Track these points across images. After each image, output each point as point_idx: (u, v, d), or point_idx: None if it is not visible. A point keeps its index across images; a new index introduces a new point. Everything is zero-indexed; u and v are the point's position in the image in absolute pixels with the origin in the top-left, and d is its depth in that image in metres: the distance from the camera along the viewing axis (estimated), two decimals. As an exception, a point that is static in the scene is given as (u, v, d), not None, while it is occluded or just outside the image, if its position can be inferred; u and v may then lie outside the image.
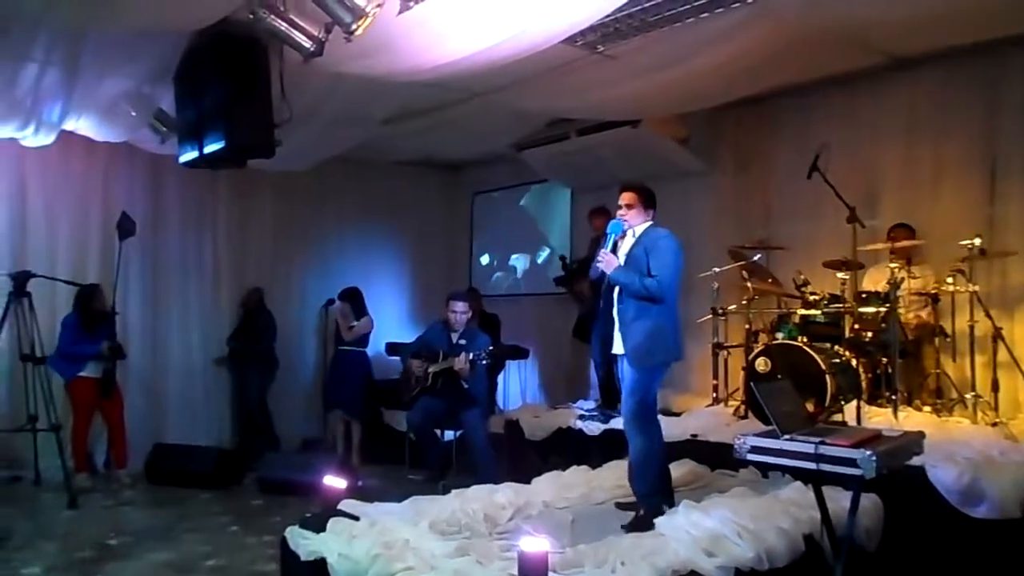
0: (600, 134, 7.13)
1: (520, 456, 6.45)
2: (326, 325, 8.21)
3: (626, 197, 4.26)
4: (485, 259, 9.91)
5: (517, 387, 8.82)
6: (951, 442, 4.51)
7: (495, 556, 3.26)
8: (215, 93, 4.84)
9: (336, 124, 6.12)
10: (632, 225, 4.26)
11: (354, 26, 3.76)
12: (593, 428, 6.11)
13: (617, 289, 4.18)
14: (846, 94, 6.50)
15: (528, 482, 4.60)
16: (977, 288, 5.21)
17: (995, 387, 5.16)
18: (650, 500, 4.03)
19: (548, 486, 4.59)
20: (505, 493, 4.23)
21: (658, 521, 3.63)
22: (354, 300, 7.81)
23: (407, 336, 8.10)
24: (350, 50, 4.00)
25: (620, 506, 4.33)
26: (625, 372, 4.20)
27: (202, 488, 6.44)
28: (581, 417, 6.28)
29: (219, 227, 8.25)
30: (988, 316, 5.14)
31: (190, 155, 5.21)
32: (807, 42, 4.92)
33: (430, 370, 6.02)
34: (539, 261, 9.23)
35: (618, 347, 4.22)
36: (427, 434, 6.04)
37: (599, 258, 4.18)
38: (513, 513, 4.05)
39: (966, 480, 3.96)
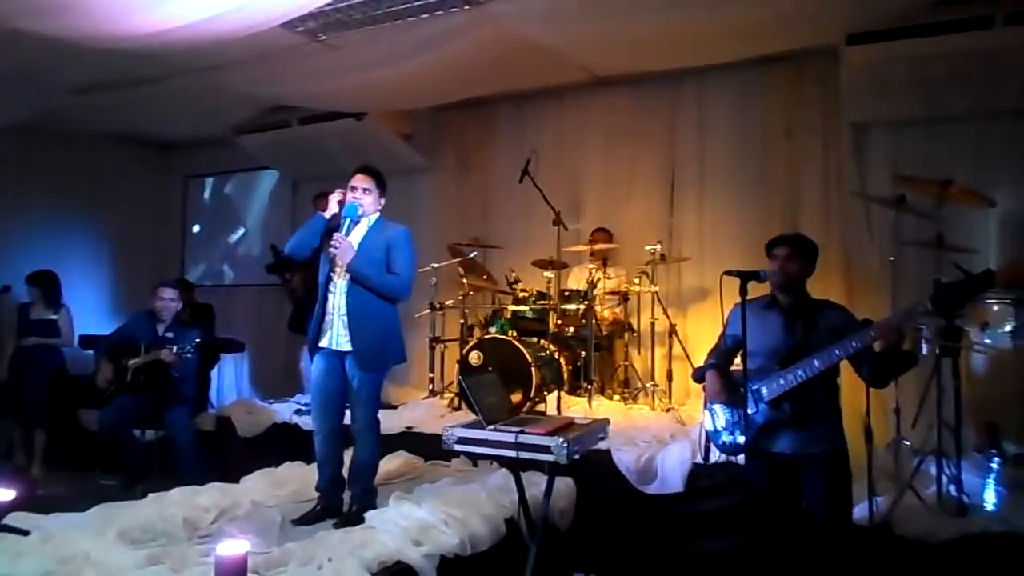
0: (324, 124, 7.02)
1: (231, 455, 6.14)
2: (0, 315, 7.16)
3: (363, 180, 3.92)
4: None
5: (231, 382, 8.39)
6: (633, 427, 5.05)
7: (192, 562, 3.08)
8: None
9: (10, 88, 5.37)
10: (367, 212, 3.93)
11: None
12: (310, 423, 5.98)
13: (345, 280, 3.81)
14: (556, 105, 7.03)
15: (237, 481, 4.40)
16: (658, 289, 5.90)
17: (670, 377, 5.85)
18: (366, 497, 3.97)
19: (258, 484, 4.42)
20: (210, 495, 4.01)
21: (368, 515, 3.65)
22: (46, 285, 6.61)
23: (109, 328, 7.33)
24: (25, 3, 3.52)
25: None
26: (352, 374, 3.85)
27: None
28: (298, 412, 6.12)
29: None
30: (666, 314, 5.83)
31: None
32: (522, 53, 5.22)
33: (129, 365, 5.52)
34: (254, 253, 8.85)
35: (338, 343, 3.85)
36: (123, 435, 5.51)
37: (334, 243, 3.73)
38: (217, 515, 3.85)
39: (643, 461, 4.45)
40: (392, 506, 3.74)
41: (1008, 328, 3.88)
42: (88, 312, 8.15)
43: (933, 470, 4.03)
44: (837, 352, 3.13)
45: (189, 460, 5.38)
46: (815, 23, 4.90)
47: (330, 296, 3.88)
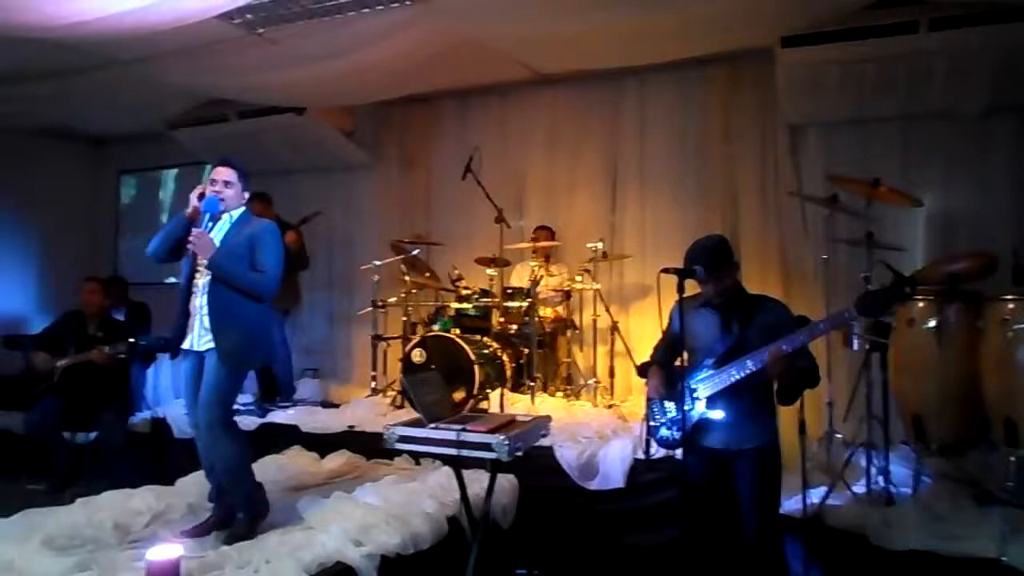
0: (263, 119, 6.89)
1: (168, 457, 6.00)
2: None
3: (225, 172, 3.70)
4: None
5: (169, 382, 8.17)
6: (576, 424, 5.08)
7: (122, 568, 2.99)
8: None
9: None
10: (229, 207, 3.70)
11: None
12: (249, 423, 5.88)
13: (207, 278, 3.59)
14: (500, 102, 7.03)
15: (173, 483, 4.30)
16: (600, 286, 5.95)
17: (612, 373, 5.91)
18: (249, 504, 3.68)
19: (195, 487, 4.32)
20: (142, 498, 3.90)
21: (307, 515, 3.60)
22: None
23: (37, 328, 7.09)
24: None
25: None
26: (209, 371, 3.59)
27: None
28: (236, 411, 6.00)
29: None
30: (608, 311, 5.88)
31: None
32: (464, 50, 5.22)
33: (58, 365, 5.35)
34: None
35: (200, 343, 3.60)
36: (50, 437, 5.33)
37: (193, 238, 3.51)
38: (151, 519, 3.75)
39: (585, 457, 4.49)
40: (332, 506, 3.69)
41: (932, 324, 4.01)
42: (16, 312, 7.88)
43: (864, 462, 4.17)
44: (784, 347, 3.18)
45: (121, 462, 5.24)
46: (750, 25, 5.00)
47: (192, 296, 3.65)
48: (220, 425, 3.61)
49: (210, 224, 3.63)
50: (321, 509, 3.70)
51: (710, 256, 3.36)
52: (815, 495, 4.05)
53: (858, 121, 5.65)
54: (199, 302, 3.62)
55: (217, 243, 3.60)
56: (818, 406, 4.80)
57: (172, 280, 8.65)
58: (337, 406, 6.13)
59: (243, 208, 3.78)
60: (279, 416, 5.78)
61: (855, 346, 4.44)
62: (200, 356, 3.64)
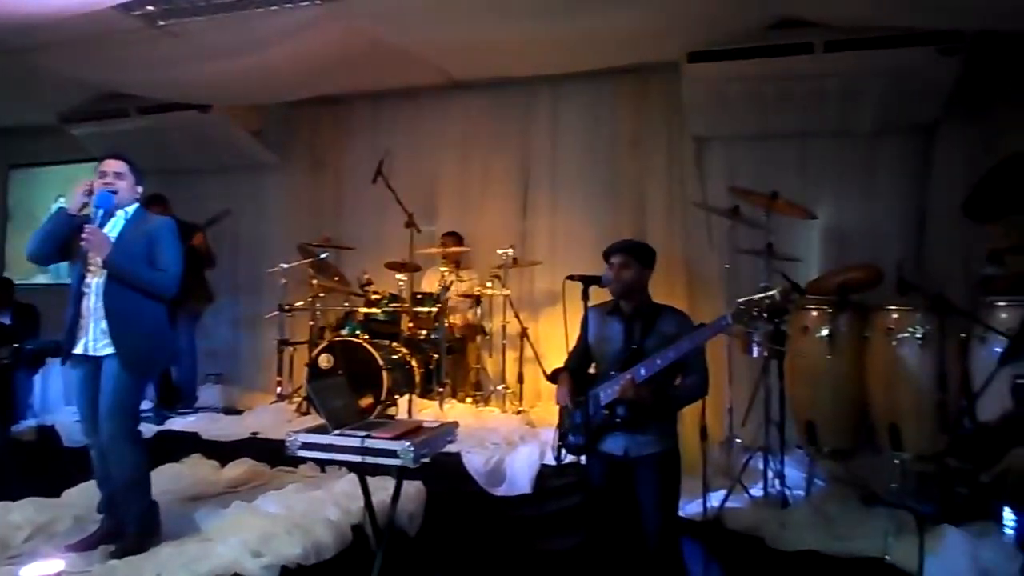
0: (165, 115, 6.63)
1: (55, 467, 5.69)
2: None
3: (115, 165, 3.52)
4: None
5: (60, 388, 7.76)
6: (484, 430, 5.08)
7: (-1, 586, 2.83)
8: None
9: None
10: (122, 202, 3.52)
11: None
12: (146, 430, 5.63)
13: (102, 278, 3.42)
14: (413, 106, 6.98)
15: (59, 495, 4.08)
16: (509, 292, 5.98)
17: (521, 379, 5.94)
18: (142, 520, 3.49)
19: (82, 498, 4.11)
20: (23, 510, 3.69)
21: (204, 525, 3.49)
22: None
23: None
24: None
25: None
26: (109, 378, 3.42)
27: None
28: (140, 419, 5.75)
29: None
30: (517, 317, 5.91)
31: None
32: (377, 52, 5.15)
33: (-67, 371, 5.02)
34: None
35: (95, 348, 3.43)
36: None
37: (86, 235, 3.30)
38: (32, 532, 3.55)
39: (492, 463, 4.49)
40: (231, 516, 3.58)
41: (824, 332, 4.19)
42: None
43: (762, 466, 4.31)
44: (658, 362, 3.27)
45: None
46: (658, 40, 5.12)
47: (84, 298, 3.44)
48: (124, 436, 3.44)
49: (102, 220, 3.43)
50: (219, 519, 3.59)
51: (639, 247, 3.52)
52: (715, 498, 4.17)
53: (759, 136, 5.86)
54: (92, 304, 3.43)
55: (112, 240, 3.42)
56: (719, 412, 4.95)
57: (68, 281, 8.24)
58: (240, 412, 5.96)
59: (137, 204, 3.61)
60: (178, 423, 5.57)
61: (755, 353, 4.60)
62: (95, 361, 3.45)
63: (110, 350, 3.40)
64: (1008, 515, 3.49)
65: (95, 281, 3.44)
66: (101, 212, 3.41)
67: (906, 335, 3.91)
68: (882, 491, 3.99)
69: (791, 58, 5.02)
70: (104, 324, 3.40)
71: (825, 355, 4.19)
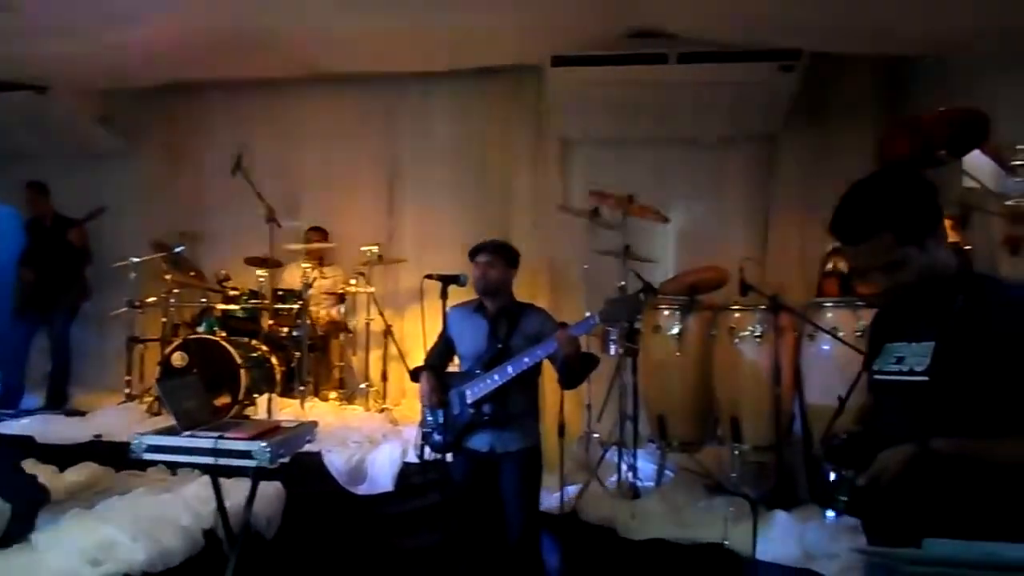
0: (-2, 95, 6.14)
1: None
2: None
3: None
4: None
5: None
6: (346, 428, 5.04)
7: None
8: None
9: None
10: None
11: None
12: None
13: None
14: (274, 98, 6.77)
15: None
16: (374, 290, 5.94)
17: (385, 377, 5.90)
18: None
19: None
20: None
21: (35, 535, 3.26)
22: None
23: None
24: None
25: None
26: None
27: None
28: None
29: None
30: (381, 315, 5.88)
31: None
32: (234, 40, 4.96)
33: None
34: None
35: None
36: None
37: None
38: None
39: (354, 462, 4.45)
40: (68, 523, 3.38)
41: (675, 331, 4.41)
42: None
43: (616, 459, 4.49)
44: (526, 360, 3.35)
45: None
46: (522, 43, 5.23)
47: None
48: None
49: None
50: (55, 527, 3.37)
51: (505, 247, 3.60)
52: (572, 492, 4.31)
53: (619, 141, 6.10)
54: None
55: None
56: (578, 408, 5.10)
57: None
58: (83, 414, 5.61)
59: None
60: (9, 426, 5.18)
61: (612, 351, 4.78)
62: None
63: None
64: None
65: None
66: None
67: (746, 333, 4.17)
68: (724, 480, 4.24)
69: (648, 67, 5.25)
70: None
71: (675, 353, 4.41)
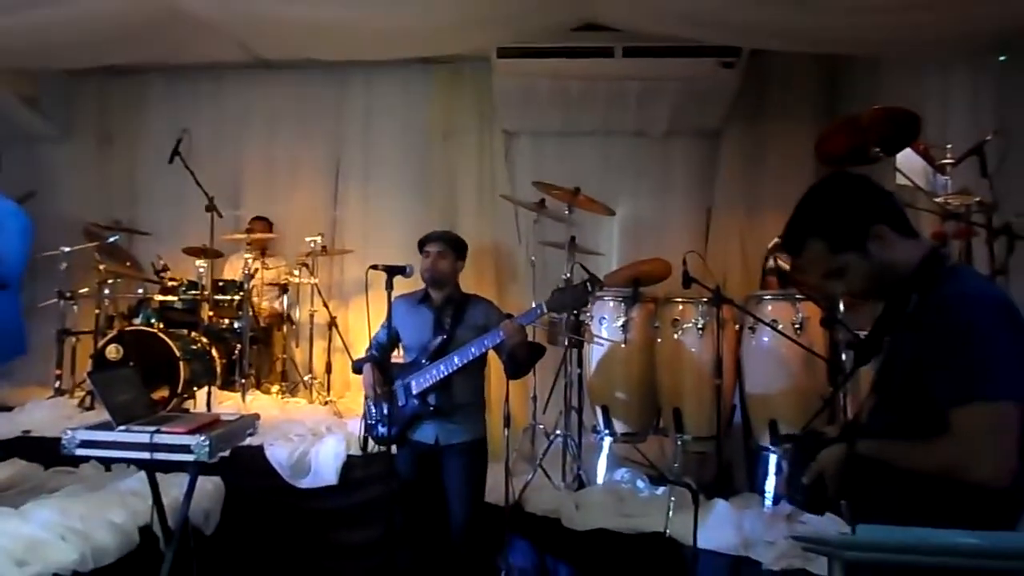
0: (-90, 73, 5.86)
1: None
2: None
3: None
4: None
5: None
6: (289, 421, 4.96)
7: None
8: None
9: None
10: None
11: None
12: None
13: None
14: (215, 83, 6.64)
15: None
16: (318, 281, 5.86)
17: (329, 369, 5.82)
18: None
19: None
20: None
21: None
22: None
23: None
24: None
25: None
26: None
27: None
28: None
29: None
30: (326, 306, 5.81)
31: None
32: (171, 22, 4.79)
33: None
34: None
35: None
36: None
37: None
38: None
39: (297, 455, 4.38)
40: (-9, 524, 3.25)
41: (619, 323, 4.45)
42: None
43: (562, 450, 4.51)
44: (473, 350, 3.35)
45: None
46: (467, 33, 5.18)
47: None
48: None
49: None
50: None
51: (455, 239, 3.60)
52: (518, 484, 4.32)
53: (565, 133, 6.12)
54: None
55: None
56: (524, 400, 5.12)
57: None
58: (11, 409, 5.41)
59: None
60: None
61: (558, 343, 4.80)
62: None
63: None
64: (769, 487, 3.93)
65: None
66: None
67: (689, 325, 4.23)
68: (666, 470, 4.30)
69: (594, 60, 5.28)
70: None
71: (620, 344, 4.45)
